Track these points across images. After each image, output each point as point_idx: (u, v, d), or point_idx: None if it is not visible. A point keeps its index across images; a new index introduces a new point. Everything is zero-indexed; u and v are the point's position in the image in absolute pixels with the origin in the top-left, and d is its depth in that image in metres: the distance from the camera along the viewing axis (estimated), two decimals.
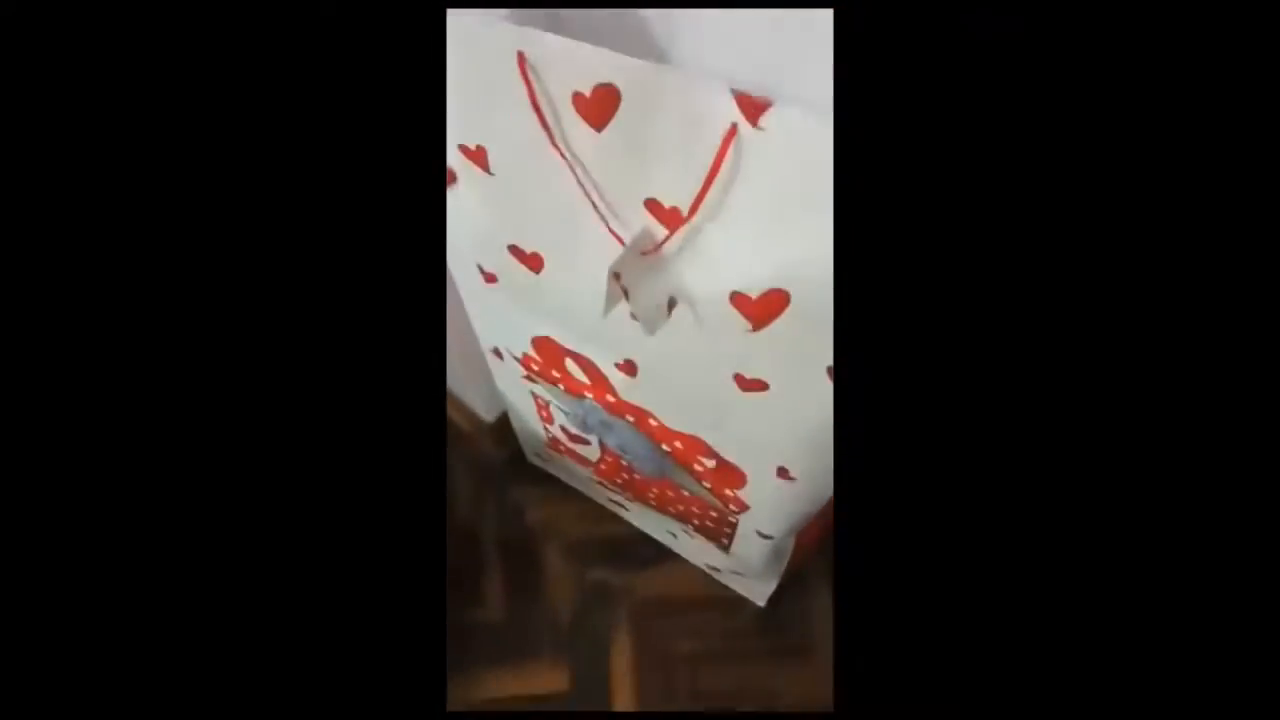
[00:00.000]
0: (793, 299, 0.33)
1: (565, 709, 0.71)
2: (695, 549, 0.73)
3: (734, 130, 0.26)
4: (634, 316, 0.36)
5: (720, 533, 0.64)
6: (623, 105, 0.28)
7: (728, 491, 0.54)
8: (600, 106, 0.29)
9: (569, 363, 0.52)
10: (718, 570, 0.75)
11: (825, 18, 0.26)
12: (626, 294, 0.34)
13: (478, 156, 0.36)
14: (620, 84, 0.28)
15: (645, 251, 0.33)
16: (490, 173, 0.37)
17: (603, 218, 0.33)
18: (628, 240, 0.33)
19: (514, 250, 0.43)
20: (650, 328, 0.37)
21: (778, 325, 0.35)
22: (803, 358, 0.36)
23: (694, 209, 0.30)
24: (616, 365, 0.48)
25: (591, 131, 0.30)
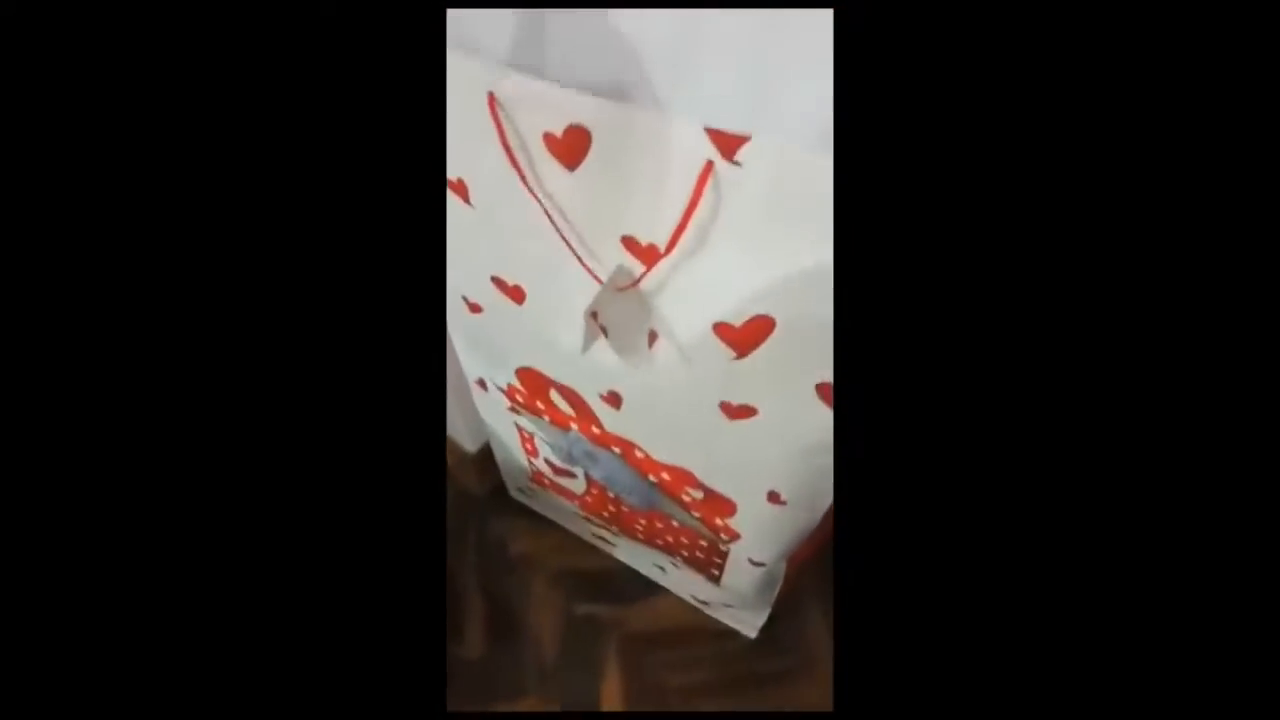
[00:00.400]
0: (778, 323, 0.33)
1: None
2: (684, 583, 0.72)
3: (709, 167, 0.26)
4: (615, 351, 0.35)
5: (710, 563, 0.63)
6: (594, 146, 0.28)
7: (718, 521, 0.53)
8: (572, 147, 0.29)
9: (554, 394, 0.51)
10: (707, 604, 0.74)
11: (808, 45, 0.26)
12: (605, 332, 0.34)
13: (459, 189, 0.36)
14: (591, 125, 0.28)
15: (622, 288, 0.33)
16: (471, 205, 0.36)
17: (578, 258, 0.33)
18: (604, 278, 0.33)
19: (497, 281, 0.42)
20: (632, 363, 0.36)
21: (763, 350, 0.34)
22: (790, 379, 0.36)
23: (671, 246, 0.30)
24: (601, 396, 0.47)
25: (564, 171, 0.30)
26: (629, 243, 0.32)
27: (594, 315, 0.32)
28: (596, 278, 0.33)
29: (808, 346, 0.33)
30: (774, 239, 0.29)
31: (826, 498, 0.46)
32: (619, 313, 0.34)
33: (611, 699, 0.71)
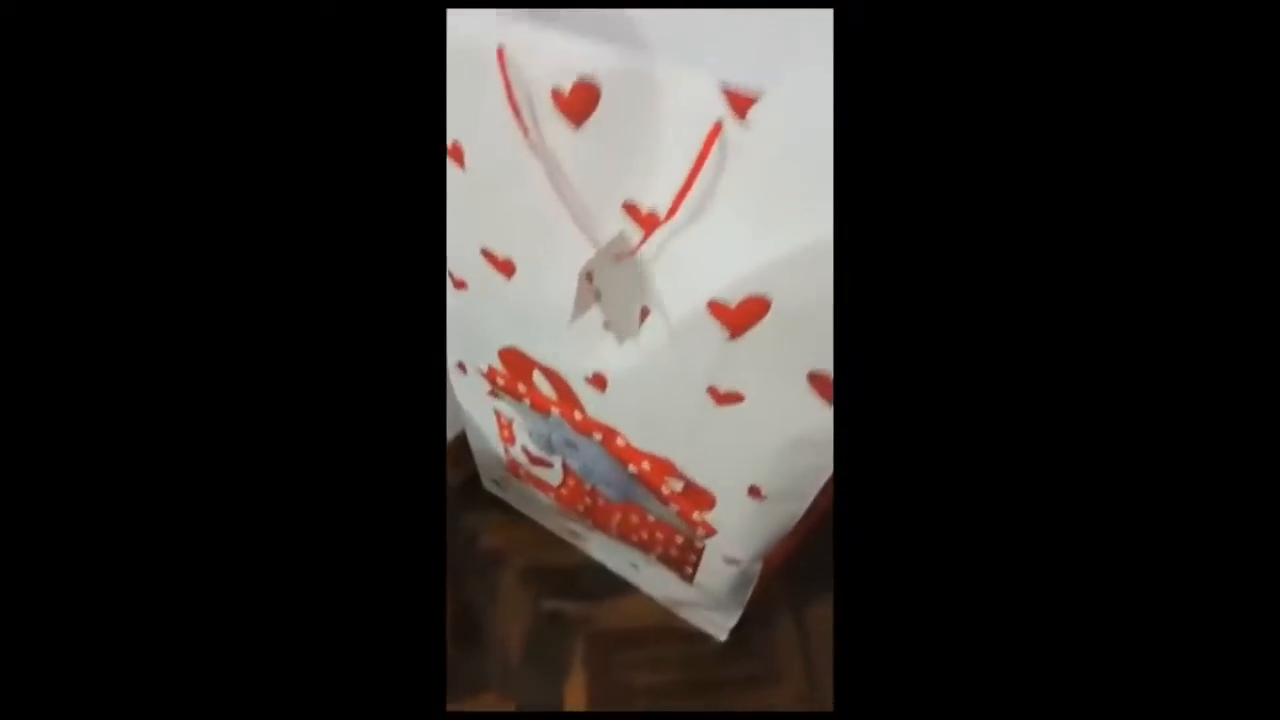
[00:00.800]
0: (774, 305, 0.32)
1: None
2: (657, 581, 0.71)
3: (719, 127, 0.26)
4: (605, 326, 0.34)
5: (685, 561, 0.62)
6: (603, 101, 0.28)
7: (696, 515, 0.53)
8: (579, 102, 0.28)
9: (537, 376, 0.50)
10: (679, 604, 0.73)
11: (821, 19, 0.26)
12: (599, 297, 0.33)
13: (454, 153, 0.35)
14: (601, 78, 0.27)
15: (620, 255, 0.32)
16: (466, 169, 0.36)
17: (578, 225, 0.32)
18: (602, 244, 0.32)
19: (487, 254, 0.41)
20: (621, 336, 0.36)
21: (756, 332, 0.34)
22: (783, 365, 0.35)
23: (673, 210, 0.29)
24: (586, 379, 0.46)
25: (570, 129, 0.30)
26: (630, 209, 0.32)
27: (589, 277, 0.31)
28: (594, 243, 0.32)
29: (802, 332, 0.33)
30: (776, 211, 0.28)
31: (807, 495, 0.46)
32: (614, 281, 0.33)
33: (575, 697, 0.69)
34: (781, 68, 0.25)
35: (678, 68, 0.26)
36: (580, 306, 0.32)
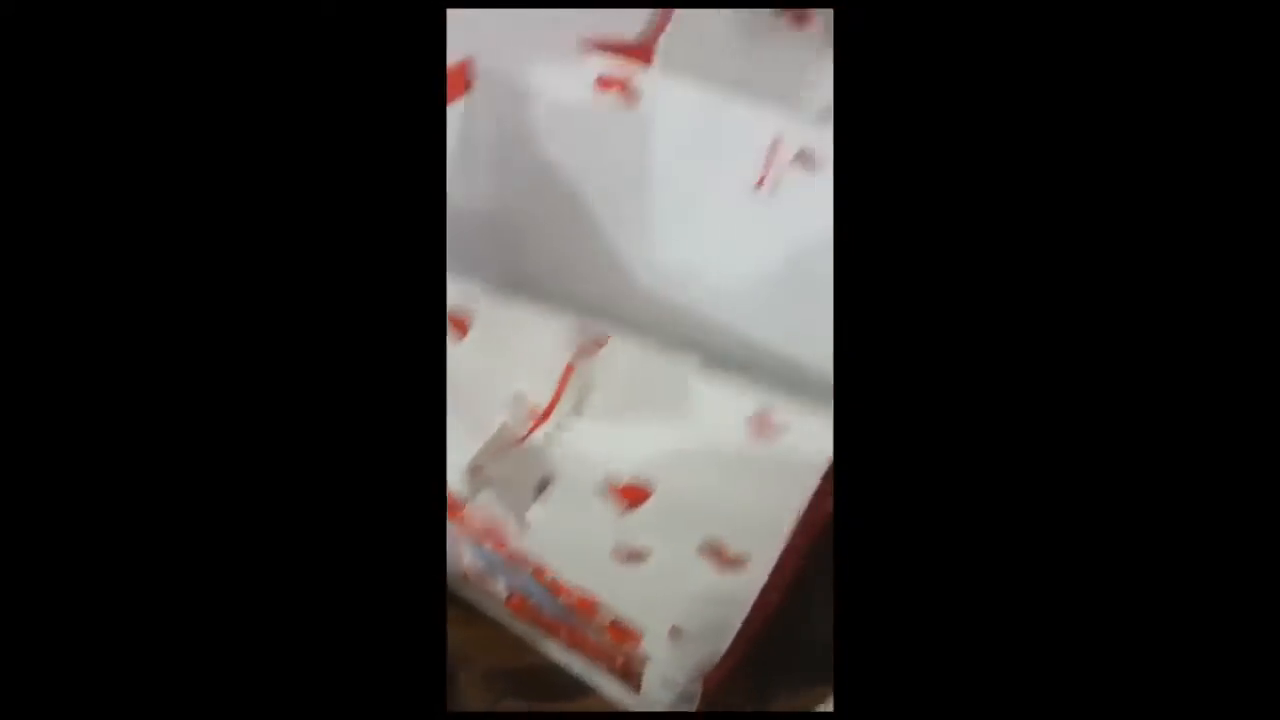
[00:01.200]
0: (655, 491, 0.34)
1: None
2: (610, 686, 0.71)
3: (570, 369, 0.28)
4: (503, 505, 0.36)
5: (629, 675, 0.62)
6: (474, 326, 0.30)
7: (628, 645, 0.53)
8: (456, 324, 0.31)
9: (468, 511, 0.52)
10: (633, 707, 0.72)
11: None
12: (490, 485, 0.35)
13: None
14: (473, 309, 0.30)
15: (508, 444, 0.34)
16: None
17: (469, 414, 0.34)
18: (491, 434, 0.34)
19: None
20: (519, 516, 0.37)
21: (647, 508, 0.36)
22: (675, 536, 0.37)
23: (545, 417, 0.31)
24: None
25: (456, 336, 0.32)
26: (516, 402, 0.34)
27: (477, 470, 0.33)
28: (483, 434, 0.34)
29: (689, 510, 0.34)
30: (638, 421, 0.30)
31: (725, 638, 0.46)
32: (505, 467, 0.35)
33: None
34: (627, 313, 0.27)
35: (535, 311, 0.28)
36: (471, 495, 0.34)
